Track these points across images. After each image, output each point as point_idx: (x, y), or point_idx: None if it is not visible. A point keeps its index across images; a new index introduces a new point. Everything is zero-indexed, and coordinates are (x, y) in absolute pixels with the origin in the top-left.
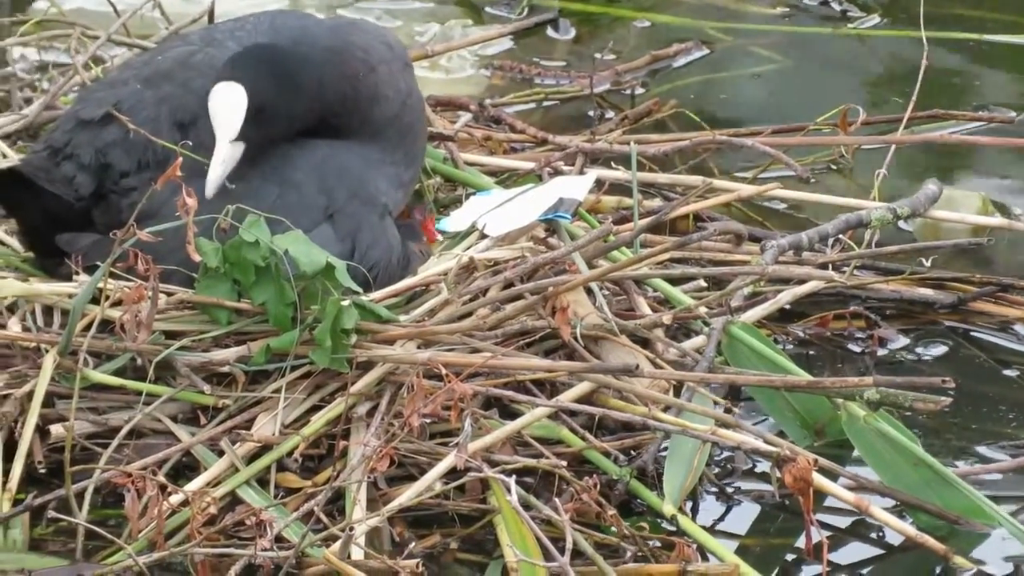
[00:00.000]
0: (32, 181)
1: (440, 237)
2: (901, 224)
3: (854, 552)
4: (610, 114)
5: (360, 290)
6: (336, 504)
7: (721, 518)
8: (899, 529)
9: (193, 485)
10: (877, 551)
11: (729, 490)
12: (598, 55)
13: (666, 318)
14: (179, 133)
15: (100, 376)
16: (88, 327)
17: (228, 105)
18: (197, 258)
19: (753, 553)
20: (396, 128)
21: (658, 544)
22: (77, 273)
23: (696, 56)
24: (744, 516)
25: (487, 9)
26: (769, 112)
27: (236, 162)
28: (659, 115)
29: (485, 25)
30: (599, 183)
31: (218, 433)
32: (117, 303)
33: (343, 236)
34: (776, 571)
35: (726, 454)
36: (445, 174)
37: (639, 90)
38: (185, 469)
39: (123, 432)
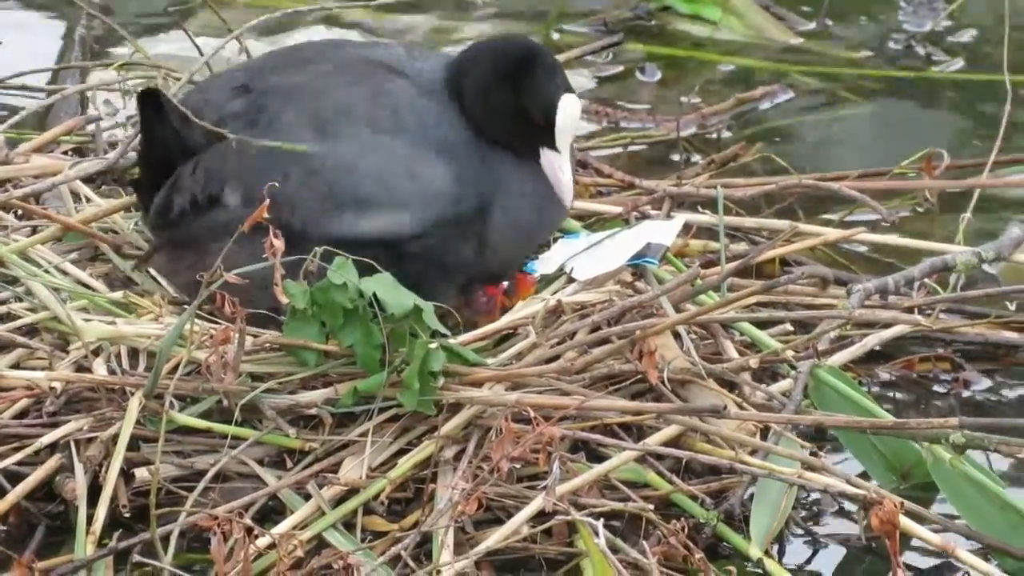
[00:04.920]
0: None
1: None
2: (986, 267)
3: None
4: (696, 158)
5: (448, 332)
6: (423, 548)
7: (808, 561)
8: (985, 572)
9: (279, 529)
10: None
11: (816, 533)
12: (684, 98)
13: (753, 362)
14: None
15: (186, 419)
16: (174, 369)
17: (577, 117)
18: (285, 300)
19: None
20: None
21: None
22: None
23: (781, 99)
24: (831, 559)
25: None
26: (854, 156)
27: None
28: (745, 159)
29: (571, 69)
30: (686, 227)
31: (304, 477)
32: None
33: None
34: None
35: (812, 497)
36: None
37: (725, 134)
38: (271, 513)
39: (209, 475)
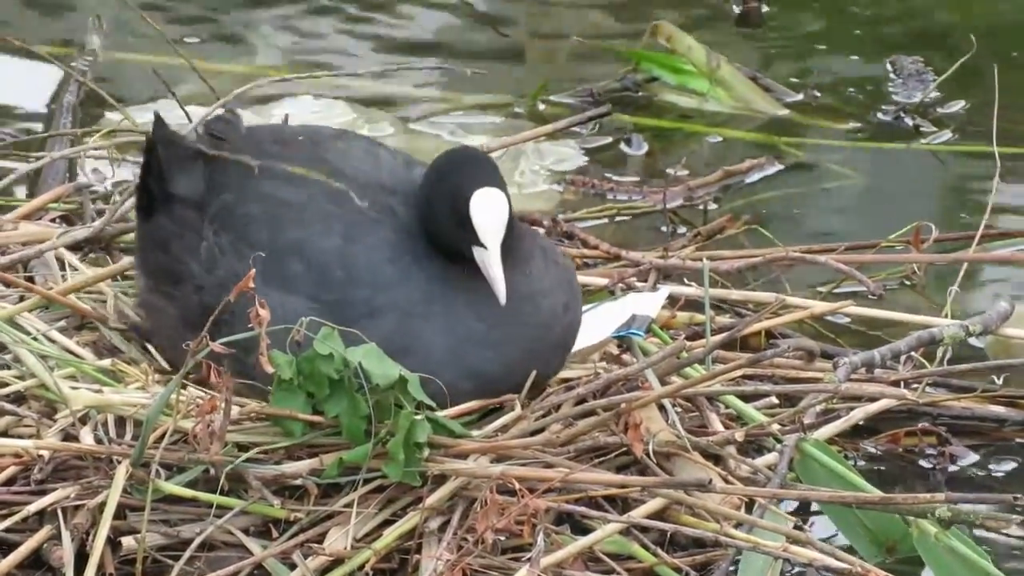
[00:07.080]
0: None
1: None
2: (972, 341)
3: None
4: (683, 230)
5: (433, 404)
6: None
7: None
8: None
9: None
10: None
11: None
12: (671, 170)
13: (738, 435)
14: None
15: (172, 488)
16: (160, 438)
17: (497, 211)
18: (271, 370)
19: None
20: None
21: None
22: None
23: (769, 172)
24: None
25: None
26: (842, 228)
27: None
28: (731, 231)
29: (557, 141)
30: (672, 299)
31: (290, 546)
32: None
33: None
34: None
35: (797, 570)
36: None
37: (712, 205)
38: None
39: (194, 544)
